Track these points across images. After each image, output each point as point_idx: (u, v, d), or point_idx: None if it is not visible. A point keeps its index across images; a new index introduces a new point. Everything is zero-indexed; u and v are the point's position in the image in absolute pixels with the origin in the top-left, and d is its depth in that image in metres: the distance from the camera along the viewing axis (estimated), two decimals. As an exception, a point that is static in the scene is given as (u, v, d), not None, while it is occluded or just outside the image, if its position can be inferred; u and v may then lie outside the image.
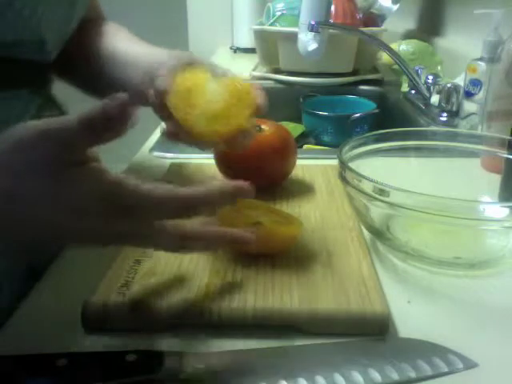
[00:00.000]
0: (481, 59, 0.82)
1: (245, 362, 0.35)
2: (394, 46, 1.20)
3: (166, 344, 0.36)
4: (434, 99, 0.96)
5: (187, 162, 0.68)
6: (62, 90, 0.67)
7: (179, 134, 0.48)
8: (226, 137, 0.47)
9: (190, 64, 0.51)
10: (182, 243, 0.36)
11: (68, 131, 0.32)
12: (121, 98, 0.31)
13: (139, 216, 0.34)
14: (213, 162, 0.61)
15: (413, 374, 0.34)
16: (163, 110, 0.48)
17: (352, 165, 0.47)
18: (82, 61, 0.63)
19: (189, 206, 0.35)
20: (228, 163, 0.60)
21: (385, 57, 1.37)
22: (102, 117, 0.31)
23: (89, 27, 0.64)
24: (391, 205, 0.43)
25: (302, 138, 1.08)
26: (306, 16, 1.02)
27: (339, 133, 1.02)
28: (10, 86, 0.52)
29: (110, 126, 0.32)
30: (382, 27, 1.36)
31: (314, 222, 0.52)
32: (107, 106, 0.31)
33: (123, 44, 0.61)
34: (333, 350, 0.36)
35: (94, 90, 0.66)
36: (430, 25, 1.45)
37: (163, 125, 0.52)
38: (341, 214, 0.53)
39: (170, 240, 0.35)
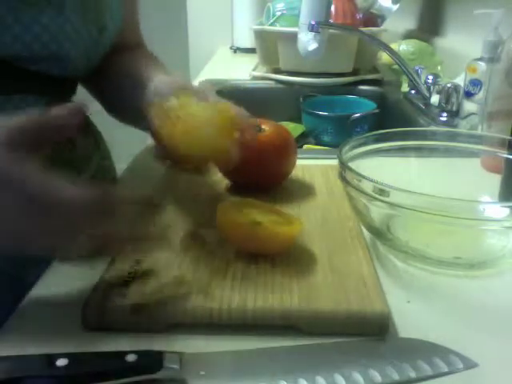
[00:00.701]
0: (481, 59, 0.82)
1: (245, 362, 0.35)
2: (394, 45, 1.20)
3: (166, 344, 0.36)
4: (434, 99, 0.96)
5: (187, 161, 0.68)
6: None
7: (167, 156, 0.49)
8: (211, 156, 0.48)
9: (181, 89, 0.51)
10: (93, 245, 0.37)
11: (25, 126, 0.35)
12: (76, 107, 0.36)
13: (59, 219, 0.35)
14: (213, 161, 0.61)
15: (413, 374, 0.34)
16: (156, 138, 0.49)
17: (352, 165, 0.47)
18: (108, 79, 0.64)
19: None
20: (228, 163, 0.60)
21: (385, 57, 1.37)
22: (56, 122, 0.36)
23: (124, 52, 0.65)
24: (391, 205, 0.43)
25: (302, 138, 1.08)
26: (306, 16, 1.02)
27: (339, 133, 1.02)
28: (18, 91, 0.53)
29: (61, 131, 0.36)
30: (382, 27, 1.36)
31: (314, 221, 0.52)
32: (62, 112, 0.36)
33: (145, 70, 0.62)
34: (333, 350, 0.36)
35: (112, 108, 0.69)
36: (430, 25, 1.45)
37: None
38: (341, 214, 0.53)
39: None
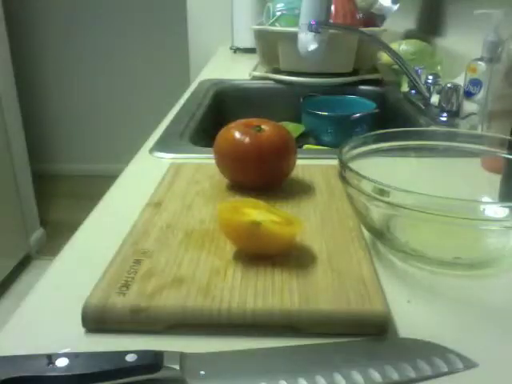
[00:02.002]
0: (481, 59, 0.82)
1: (245, 362, 0.35)
2: (393, 45, 1.20)
3: (166, 344, 0.36)
4: (434, 99, 0.96)
5: (187, 162, 0.68)
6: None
7: None
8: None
9: None
10: None
11: None
12: None
13: None
14: (213, 162, 0.61)
15: (413, 374, 0.34)
16: None
17: (352, 165, 0.47)
18: None
19: None
20: (228, 163, 0.60)
21: (385, 57, 1.37)
22: None
23: None
24: (391, 205, 0.43)
25: (302, 138, 1.08)
26: (306, 16, 1.02)
27: (339, 133, 1.02)
28: None
29: None
30: (382, 27, 1.36)
31: (313, 222, 0.52)
32: None
33: None
34: (333, 350, 0.36)
35: None
36: (430, 25, 1.45)
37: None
38: (341, 214, 0.53)
39: None
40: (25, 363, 0.33)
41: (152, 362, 0.33)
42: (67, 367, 0.32)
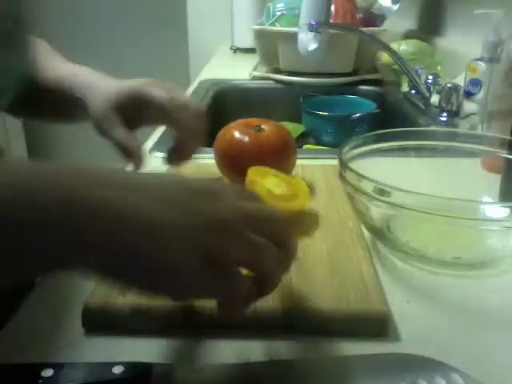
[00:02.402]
0: (481, 59, 0.82)
1: (234, 375, 0.34)
2: (393, 45, 1.20)
3: (166, 344, 0.36)
4: (434, 99, 0.96)
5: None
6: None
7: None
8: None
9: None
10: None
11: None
12: None
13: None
14: (213, 162, 0.61)
15: None
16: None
17: (352, 165, 0.47)
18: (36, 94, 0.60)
19: None
20: (228, 163, 0.60)
21: (385, 57, 1.37)
22: None
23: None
24: (391, 205, 0.43)
25: (302, 138, 1.08)
26: (306, 16, 1.02)
27: (339, 133, 1.02)
28: None
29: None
30: (382, 27, 1.36)
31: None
32: None
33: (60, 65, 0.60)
34: (331, 367, 0.35)
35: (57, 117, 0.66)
36: (430, 25, 1.45)
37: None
38: (341, 214, 0.53)
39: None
40: (9, 373, 0.32)
41: (139, 374, 0.32)
42: (52, 378, 0.31)
